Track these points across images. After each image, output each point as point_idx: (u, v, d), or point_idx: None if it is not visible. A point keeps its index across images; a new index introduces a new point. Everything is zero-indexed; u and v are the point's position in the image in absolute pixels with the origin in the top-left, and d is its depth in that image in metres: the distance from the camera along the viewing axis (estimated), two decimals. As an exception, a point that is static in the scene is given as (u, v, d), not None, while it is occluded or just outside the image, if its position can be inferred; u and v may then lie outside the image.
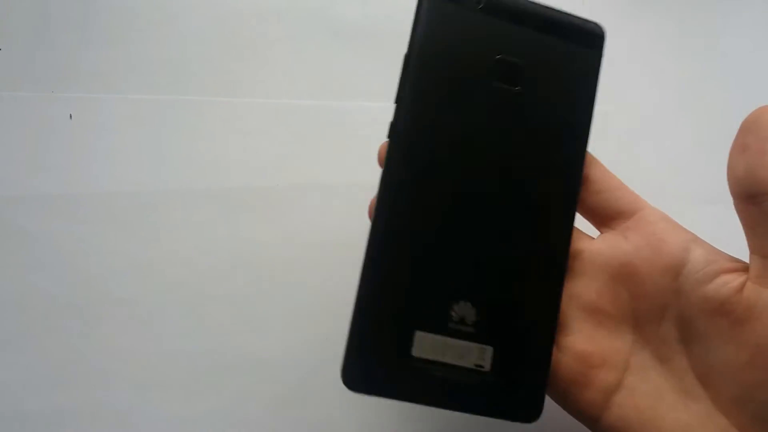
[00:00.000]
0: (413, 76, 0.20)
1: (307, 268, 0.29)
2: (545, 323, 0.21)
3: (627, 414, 0.20)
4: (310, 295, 0.29)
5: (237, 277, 0.29)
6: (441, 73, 0.20)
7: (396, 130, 0.20)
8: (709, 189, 0.29)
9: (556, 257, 0.21)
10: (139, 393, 0.28)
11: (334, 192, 0.30)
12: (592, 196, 0.22)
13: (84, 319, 0.29)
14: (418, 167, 0.20)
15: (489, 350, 0.20)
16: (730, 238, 0.20)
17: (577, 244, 0.22)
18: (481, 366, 0.20)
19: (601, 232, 0.23)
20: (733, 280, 0.19)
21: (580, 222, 0.24)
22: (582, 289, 0.22)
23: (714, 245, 0.21)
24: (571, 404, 0.21)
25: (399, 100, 0.20)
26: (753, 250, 0.19)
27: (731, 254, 0.21)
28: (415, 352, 0.19)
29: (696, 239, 0.21)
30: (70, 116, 0.31)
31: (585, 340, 0.21)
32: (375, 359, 0.19)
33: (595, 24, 0.22)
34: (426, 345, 0.19)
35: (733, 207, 0.20)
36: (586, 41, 0.21)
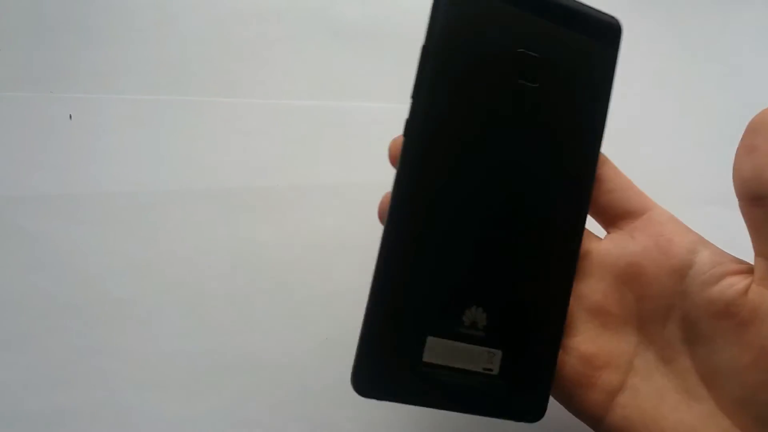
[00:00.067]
0: (432, 70, 0.19)
1: (307, 268, 0.29)
2: (553, 326, 0.21)
3: (630, 415, 0.20)
4: (310, 295, 0.29)
5: (237, 277, 0.29)
6: (461, 67, 0.19)
7: (412, 126, 0.19)
8: (709, 189, 0.29)
9: (567, 260, 0.21)
10: (139, 393, 0.28)
11: (334, 192, 0.30)
12: (603, 196, 0.22)
13: (84, 319, 0.29)
14: (433, 167, 0.19)
15: (498, 354, 0.20)
16: (730, 238, 0.20)
17: (585, 244, 0.22)
18: (489, 369, 0.20)
19: (609, 232, 0.23)
20: (738, 282, 0.19)
21: (588, 221, 0.24)
22: (588, 290, 0.22)
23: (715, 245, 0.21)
24: (575, 405, 0.21)
25: (416, 95, 0.19)
26: (758, 252, 0.19)
27: (732, 255, 0.21)
28: (427, 357, 0.19)
29: (703, 241, 0.21)
30: (70, 116, 0.31)
31: (590, 342, 0.21)
32: (386, 365, 0.19)
33: (613, 18, 0.21)
34: (437, 350, 0.19)
35: (733, 207, 0.20)
36: (603, 36, 0.21)
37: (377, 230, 0.20)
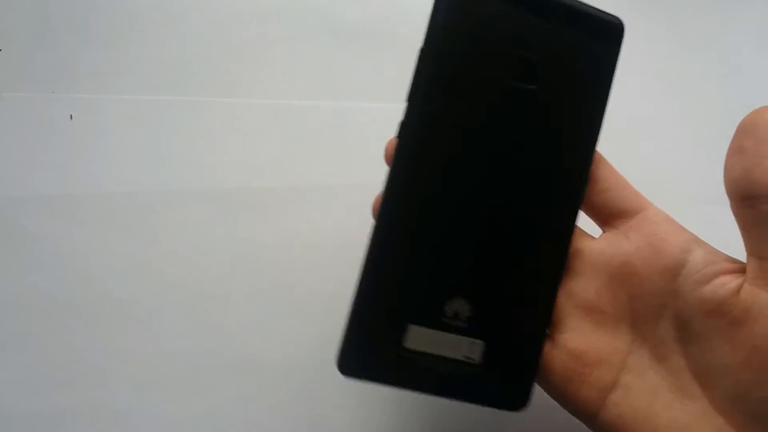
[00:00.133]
0: (428, 73, 0.20)
1: (306, 268, 0.29)
2: (538, 320, 0.21)
3: (623, 412, 0.21)
4: (310, 295, 0.29)
5: (237, 277, 0.29)
6: (457, 70, 0.20)
7: (406, 128, 0.20)
8: (709, 189, 0.29)
9: (554, 257, 0.21)
10: (138, 393, 0.28)
11: (333, 192, 0.30)
12: (598, 195, 0.22)
13: (84, 319, 0.29)
14: (423, 166, 0.20)
15: (479, 344, 0.20)
16: (730, 238, 0.20)
17: (578, 242, 0.22)
18: (471, 358, 0.20)
19: (604, 231, 0.23)
20: (731, 282, 0.19)
21: (583, 220, 0.24)
22: (581, 288, 0.22)
23: (713, 246, 0.21)
24: (567, 401, 0.22)
25: (411, 97, 0.20)
26: (750, 252, 0.20)
27: (731, 255, 0.21)
28: (408, 343, 0.20)
29: (697, 240, 0.21)
30: (71, 117, 0.31)
31: (581, 338, 0.22)
32: (369, 348, 0.20)
33: (615, 18, 0.21)
34: (418, 337, 0.20)
35: (732, 207, 0.20)
36: (605, 36, 0.21)
37: (376, 230, 0.20)
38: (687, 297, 0.20)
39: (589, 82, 0.21)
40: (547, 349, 0.22)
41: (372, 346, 0.20)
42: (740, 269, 0.20)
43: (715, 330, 0.19)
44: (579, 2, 0.21)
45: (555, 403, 0.22)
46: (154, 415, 0.28)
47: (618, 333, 0.22)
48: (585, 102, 0.21)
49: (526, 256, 0.21)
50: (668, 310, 0.21)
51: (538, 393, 0.23)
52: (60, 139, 0.31)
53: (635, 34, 0.32)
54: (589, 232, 0.23)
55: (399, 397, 0.28)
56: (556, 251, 0.21)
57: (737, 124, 0.20)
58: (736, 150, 0.19)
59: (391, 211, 0.20)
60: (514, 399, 0.21)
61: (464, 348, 0.20)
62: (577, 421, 0.22)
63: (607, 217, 0.22)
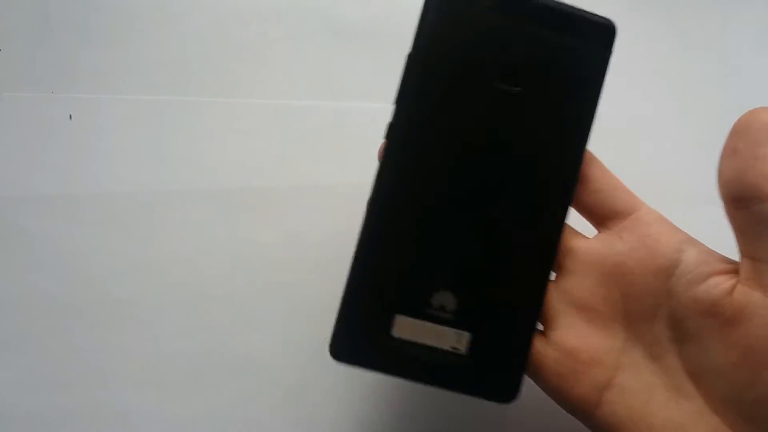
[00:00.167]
0: (415, 78, 0.21)
1: (306, 268, 0.29)
2: (526, 314, 0.21)
3: (618, 411, 0.21)
4: (310, 295, 0.29)
5: (237, 277, 0.29)
6: (442, 74, 0.21)
7: (394, 129, 0.21)
8: (709, 189, 0.28)
9: (542, 253, 0.22)
10: (139, 393, 0.28)
11: (334, 192, 0.30)
12: (590, 195, 0.22)
13: (84, 319, 0.29)
14: (411, 165, 0.21)
15: (466, 335, 0.21)
16: (730, 238, 0.20)
17: (572, 242, 0.22)
18: (457, 349, 0.21)
19: (599, 232, 0.23)
20: (724, 282, 0.20)
21: (579, 221, 0.24)
22: (574, 287, 0.22)
23: (713, 246, 0.21)
24: (562, 399, 0.22)
25: (399, 101, 0.21)
26: (743, 253, 0.20)
27: (731, 255, 0.21)
28: (395, 332, 0.21)
29: (690, 240, 0.21)
30: (70, 117, 0.31)
31: (574, 336, 0.22)
32: (359, 336, 0.21)
33: (606, 20, 0.21)
34: (405, 327, 0.21)
35: (732, 208, 0.20)
36: (595, 38, 0.21)
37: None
38: (680, 297, 0.20)
39: (578, 83, 0.21)
40: (541, 346, 0.22)
41: (361, 334, 0.21)
42: (734, 269, 0.20)
43: (708, 330, 0.20)
44: (568, 5, 0.21)
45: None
46: (154, 415, 0.28)
47: (612, 332, 0.22)
48: (573, 103, 0.21)
49: (513, 253, 0.21)
50: (662, 310, 0.21)
51: (539, 391, 0.24)
52: (59, 139, 0.31)
53: (635, 34, 0.32)
54: (586, 233, 0.23)
55: (400, 397, 0.28)
56: (543, 247, 0.22)
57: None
58: (730, 151, 0.19)
59: (380, 207, 0.21)
60: (502, 391, 0.21)
61: (450, 339, 0.21)
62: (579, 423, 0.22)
63: (600, 218, 0.23)
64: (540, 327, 0.23)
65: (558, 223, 0.22)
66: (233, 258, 0.30)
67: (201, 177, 0.30)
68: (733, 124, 0.20)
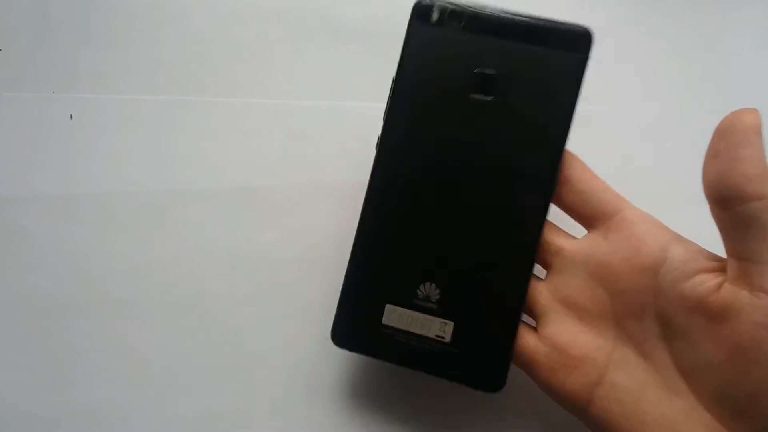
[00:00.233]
0: (397, 98, 0.24)
1: (306, 269, 0.29)
2: (509, 307, 0.23)
3: (610, 408, 0.21)
4: (310, 295, 0.29)
5: (237, 277, 0.29)
6: (423, 92, 0.24)
7: (383, 144, 0.24)
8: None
9: (522, 249, 0.23)
10: (139, 393, 0.28)
11: (333, 192, 0.30)
12: (575, 196, 0.23)
13: (84, 319, 0.29)
14: (398, 173, 0.24)
15: (450, 324, 0.23)
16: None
17: (560, 242, 0.23)
18: (441, 337, 0.23)
19: (588, 232, 0.24)
20: (711, 280, 0.20)
21: (570, 222, 0.24)
22: (562, 285, 0.23)
23: (713, 246, 0.21)
24: (555, 393, 0.22)
25: (386, 118, 0.24)
26: (729, 252, 0.20)
27: (708, 251, 0.21)
28: (385, 321, 0.23)
29: (677, 238, 0.22)
30: (71, 117, 0.31)
31: (564, 332, 0.22)
32: (354, 323, 0.24)
33: (581, 27, 0.23)
34: (394, 316, 0.23)
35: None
36: (570, 45, 0.23)
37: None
38: (668, 294, 0.21)
39: (550, 88, 0.23)
40: (533, 341, 0.23)
41: (356, 322, 0.24)
42: (721, 267, 0.20)
43: (697, 327, 0.20)
44: (541, 18, 0.23)
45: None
46: (154, 415, 0.28)
47: (602, 330, 0.22)
48: (547, 107, 0.23)
49: (493, 248, 0.23)
50: (651, 308, 0.21)
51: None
52: (60, 139, 0.31)
53: (636, 34, 0.32)
54: (578, 234, 0.24)
55: (401, 397, 0.28)
56: (523, 243, 0.23)
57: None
58: (712, 153, 0.20)
59: (372, 211, 0.24)
60: (487, 380, 0.23)
61: (436, 327, 0.23)
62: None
63: (587, 219, 0.23)
64: (532, 323, 0.24)
65: (537, 220, 0.23)
66: (233, 258, 0.30)
67: (201, 177, 0.31)
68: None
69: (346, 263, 0.24)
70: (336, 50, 0.32)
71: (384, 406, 0.28)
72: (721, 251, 0.21)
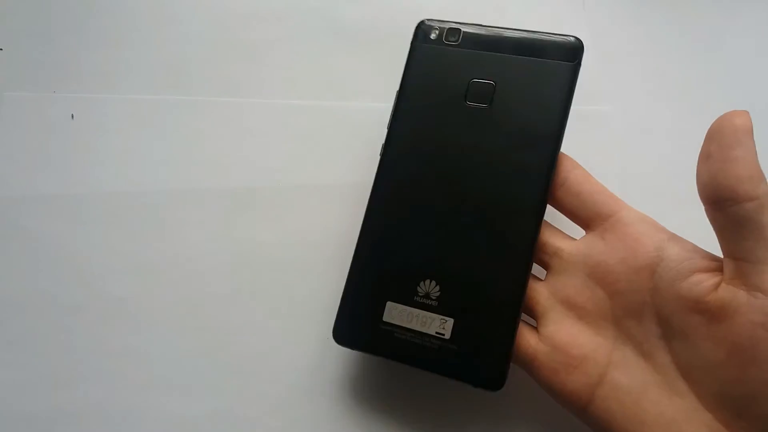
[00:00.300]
0: (400, 106, 0.26)
1: (307, 268, 0.29)
2: (507, 305, 0.23)
3: (611, 407, 0.21)
4: (310, 295, 0.29)
5: (237, 277, 0.29)
6: (424, 101, 0.25)
7: (387, 148, 0.25)
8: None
9: (517, 248, 0.23)
10: (139, 393, 0.28)
11: (334, 192, 0.30)
12: (570, 198, 0.23)
13: (84, 319, 0.29)
14: (397, 182, 0.25)
15: (450, 321, 0.23)
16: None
17: (558, 243, 0.24)
18: (441, 334, 0.23)
19: (586, 233, 0.24)
20: (708, 279, 0.20)
21: (568, 224, 0.24)
22: (561, 286, 0.23)
23: (711, 245, 0.21)
24: (555, 394, 0.22)
25: (390, 126, 0.26)
26: (725, 253, 0.20)
27: (705, 251, 0.21)
28: (386, 318, 0.24)
29: (673, 238, 0.22)
30: (72, 116, 0.31)
31: (564, 331, 0.23)
32: (356, 321, 0.24)
33: (572, 38, 0.25)
34: (394, 313, 0.24)
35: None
36: (561, 55, 0.24)
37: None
38: (665, 294, 0.21)
39: (544, 94, 0.24)
40: (534, 341, 0.23)
41: (358, 320, 0.24)
42: (717, 267, 0.20)
43: (695, 327, 0.20)
44: (534, 31, 0.25)
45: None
46: (154, 415, 0.28)
47: (601, 329, 0.22)
48: (540, 112, 0.24)
49: (491, 246, 0.24)
50: (649, 308, 0.21)
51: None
52: (61, 139, 0.31)
53: (636, 33, 0.32)
54: (577, 235, 0.24)
55: (401, 398, 0.28)
56: (520, 242, 0.23)
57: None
58: (704, 155, 0.20)
59: (375, 211, 0.25)
60: (487, 378, 0.23)
61: (435, 324, 0.23)
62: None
63: (584, 220, 0.24)
64: (533, 323, 0.24)
65: (533, 219, 0.23)
66: (233, 258, 0.30)
67: (201, 177, 0.31)
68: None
69: (347, 263, 0.24)
70: (336, 50, 0.32)
71: (384, 405, 0.28)
72: (719, 251, 0.21)
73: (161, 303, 0.29)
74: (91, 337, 0.29)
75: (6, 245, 0.30)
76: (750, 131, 0.19)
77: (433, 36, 0.26)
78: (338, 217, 0.30)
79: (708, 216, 0.20)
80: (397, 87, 0.26)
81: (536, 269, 0.24)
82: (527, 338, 0.23)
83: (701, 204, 0.21)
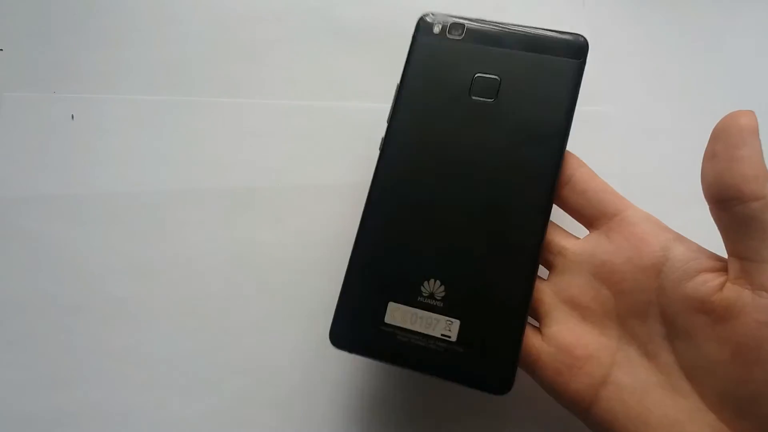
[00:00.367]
0: (401, 100, 0.25)
1: (307, 268, 0.29)
2: (514, 306, 0.22)
3: (614, 408, 0.21)
4: (310, 295, 0.29)
5: (237, 277, 0.29)
6: (425, 95, 0.25)
7: (386, 144, 0.25)
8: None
9: (524, 247, 0.23)
10: (139, 393, 0.28)
11: (334, 192, 0.30)
12: (575, 197, 0.23)
13: (84, 319, 0.29)
14: (398, 176, 0.24)
15: (456, 323, 0.22)
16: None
17: (563, 242, 0.23)
18: (447, 336, 0.22)
19: (590, 232, 0.24)
20: (713, 279, 0.20)
21: (572, 223, 0.24)
22: (565, 285, 0.23)
23: (715, 245, 0.21)
24: (558, 395, 0.22)
25: (390, 120, 0.25)
26: (730, 252, 0.20)
27: (710, 251, 0.21)
28: (388, 319, 0.23)
29: (678, 238, 0.22)
30: (72, 117, 0.31)
31: (569, 332, 0.22)
32: (355, 323, 0.23)
33: (577, 36, 0.24)
34: (397, 314, 0.23)
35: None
36: (567, 52, 0.24)
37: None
38: (670, 293, 0.21)
39: (549, 91, 0.24)
40: (537, 341, 0.23)
41: (357, 321, 0.23)
42: (722, 267, 0.20)
43: (700, 327, 0.20)
44: (538, 28, 0.25)
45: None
46: (154, 415, 0.28)
47: (605, 329, 0.22)
48: (546, 109, 0.24)
49: (497, 246, 0.23)
50: (654, 308, 0.21)
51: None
52: (61, 139, 0.31)
53: (636, 33, 0.32)
54: (581, 234, 0.24)
55: (402, 399, 0.28)
56: (526, 241, 0.23)
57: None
58: (709, 155, 0.20)
59: (375, 206, 0.24)
60: (494, 381, 0.22)
61: (441, 326, 0.22)
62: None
63: (589, 219, 0.23)
64: (536, 323, 0.24)
65: (540, 217, 0.23)
66: (233, 258, 0.30)
67: (201, 177, 0.31)
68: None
69: (347, 263, 0.24)
70: (336, 50, 0.32)
71: (384, 405, 0.28)
72: (723, 251, 0.21)
73: (161, 303, 0.29)
74: (91, 337, 0.29)
75: (6, 245, 0.30)
76: (756, 131, 0.19)
77: (436, 30, 0.25)
78: (338, 217, 0.30)
79: (713, 215, 0.20)
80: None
81: (539, 269, 0.24)
82: (530, 339, 0.23)
83: (702, 204, 0.21)
